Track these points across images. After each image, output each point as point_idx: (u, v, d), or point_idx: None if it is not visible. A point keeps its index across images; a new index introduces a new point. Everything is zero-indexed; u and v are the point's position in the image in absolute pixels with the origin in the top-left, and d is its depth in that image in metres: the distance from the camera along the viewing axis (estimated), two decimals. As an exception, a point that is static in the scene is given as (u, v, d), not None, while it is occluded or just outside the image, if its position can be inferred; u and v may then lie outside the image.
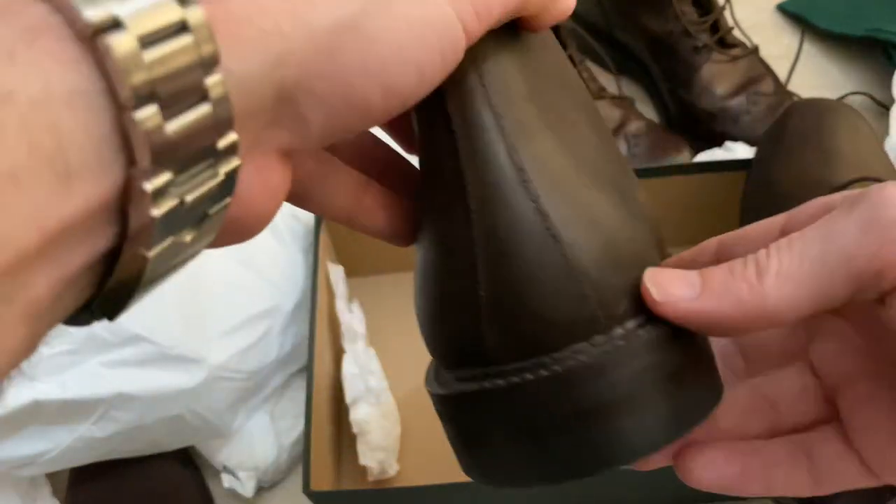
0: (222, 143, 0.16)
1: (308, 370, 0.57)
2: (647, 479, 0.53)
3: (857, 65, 0.84)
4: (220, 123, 0.16)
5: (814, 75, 0.83)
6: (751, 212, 0.59)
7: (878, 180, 0.52)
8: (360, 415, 0.58)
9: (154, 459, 0.59)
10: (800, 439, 0.25)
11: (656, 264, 0.23)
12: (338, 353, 0.64)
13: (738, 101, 0.75)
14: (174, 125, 0.15)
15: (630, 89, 0.84)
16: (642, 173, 0.63)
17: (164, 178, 0.15)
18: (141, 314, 0.54)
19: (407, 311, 0.67)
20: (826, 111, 0.59)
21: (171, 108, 0.15)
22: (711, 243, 0.25)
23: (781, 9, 0.90)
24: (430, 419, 0.64)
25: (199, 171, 0.16)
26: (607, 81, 0.80)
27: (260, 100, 0.17)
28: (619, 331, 0.21)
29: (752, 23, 0.83)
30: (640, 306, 0.22)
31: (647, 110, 0.82)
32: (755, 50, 0.78)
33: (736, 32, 0.80)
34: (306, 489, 0.51)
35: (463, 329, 0.22)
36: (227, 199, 0.17)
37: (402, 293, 0.69)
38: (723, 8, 0.78)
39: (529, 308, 0.21)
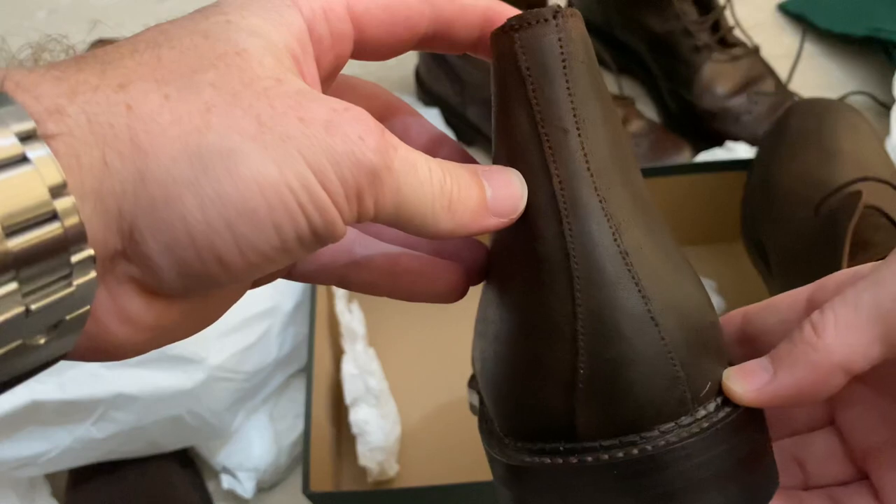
0: (76, 257, 0.17)
1: (307, 371, 0.57)
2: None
3: (858, 64, 0.84)
4: (71, 238, 0.17)
5: (815, 75, 0.83)
6: (751, 212, 0.59)
7: (879, 180, 0.52)
8: (360, 415, 0.58)
9: (153, 460, 0.59)
10: (833, 493, 0.25)
11: (721, 337, 0.24)
12: (337, 354, 0.64)
13: (738, 101, 0.75)
14: (16, 242, 0.16)
15: (630, 89, 0.84)
16: (643, 173, 0.63)
17: (7, 288, 0.16)
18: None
19: (407, 312, 0.67)
20: (827, 111, 0.59)
21: (13, 227, 0.16)
22: (736, 315, 0.26)
23: (782, 8, 0.90)
24: (430, 420, 0.65)
25: (50, 283, 0.17)
26: (608, 81, 0.80)
27: (101, 228, 0.18)
28: (702, 412, 0.22)
29: (752, 22, 0.83)
30: (719, 387, 0.23)
31: (648, 110, 0.82)
32: (756, 49, 0.78)
33: (737, 32, 0.80)
34: (306, 490, 0.51)
35: (553, 402, 0.23)
36: (85, 309, 0.18)
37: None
38: (723, 7, 0.78)
39: (626, 388, 0.22)
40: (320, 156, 0.19)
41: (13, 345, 0.17)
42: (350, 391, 0.59)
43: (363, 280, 0.26)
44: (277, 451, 0.61)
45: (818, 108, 0.60)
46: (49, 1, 0.96)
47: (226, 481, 0.60)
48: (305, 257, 0.20)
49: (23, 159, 0.16)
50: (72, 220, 0.17)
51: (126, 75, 0.18)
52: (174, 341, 0.22)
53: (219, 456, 0.60)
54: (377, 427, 0.58)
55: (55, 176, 0.16)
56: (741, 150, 0.70)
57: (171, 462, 0.60)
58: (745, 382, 0.22)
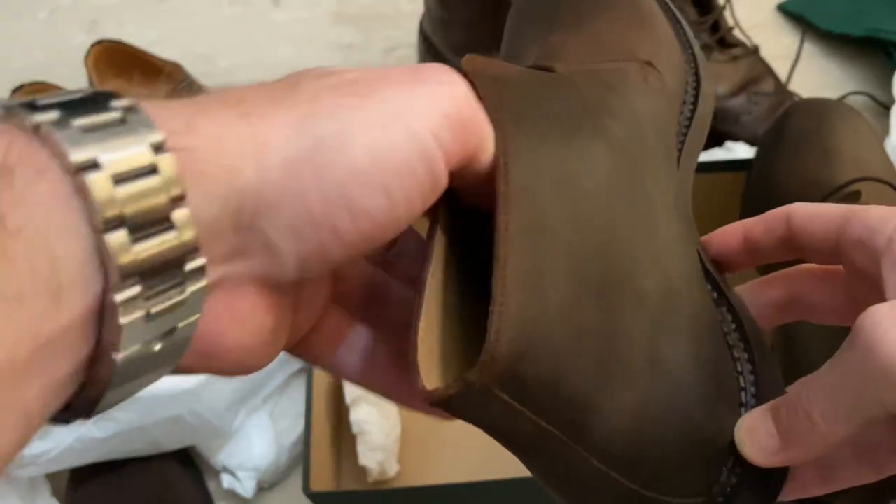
0: (189, 266, 0.18)
1: (308, 370, 0.57)
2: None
3: (858, 64, 0.84)
4: (186, 249, 0.18)
5: (814, 75, 0.83)
6: (751, 212, 0.59)
7: (879, 180, 0.52)
8: (360, 415, 0.58)
9: (154, 460, 0.59)
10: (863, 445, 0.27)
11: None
12: (338, 354, 0.64)
13: (738, 101, 0.75)
14: (141, 248, 0.17)
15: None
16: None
17: (133, 291, 0.17)
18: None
19: (407, 312, 0.67)
20: (826, 111, 0.59)
21: (139, 234, 0.17)
22: (779, 215, 0.28)
23: (782, 9, 0.90)
24: (430, 420, 0.64)
25: (166, 289, 0.18)
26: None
27: (219, 230, 0.19)
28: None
29: (752, 22, 0.83)
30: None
31: (648, 110, 0.82)
32: (756, 50, 0.78)
33: (736, 32, 0.80)
34: (306, 489, 0.51)
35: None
36: (195, 317, 0.19)
37: (402, 293, 0.69)
38: (723, 7, 0.78)
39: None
40: (421, 111, 0.21)
41: (133, 349, 0.18)
42: (350, 390, 0.59)
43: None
44: (278, 451, 0.61)
45: (818, 109, 0.60)
46: (49, 1, 0.96)
47: (226, 481, 0.60)
48: (410, 222, 0.22)
49: (152, 170, 0.17)
50: (188, 233, 0.18)
51: (241, 94, 0.20)
52: (275, 353, 0.24)
53: (219, 455, 0.60)
54: (377, 426, 0.58)
55: (177, 188, 0.18)
56: (741, 151, 0.70)
57: (171, 462, 0.60)
58: (753, 445, 0.25)
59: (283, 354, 0.65)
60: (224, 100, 0.20)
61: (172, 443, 0.59)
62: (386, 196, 0.20)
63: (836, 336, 0.37)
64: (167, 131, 0.18)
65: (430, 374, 0.23)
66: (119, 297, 0.17)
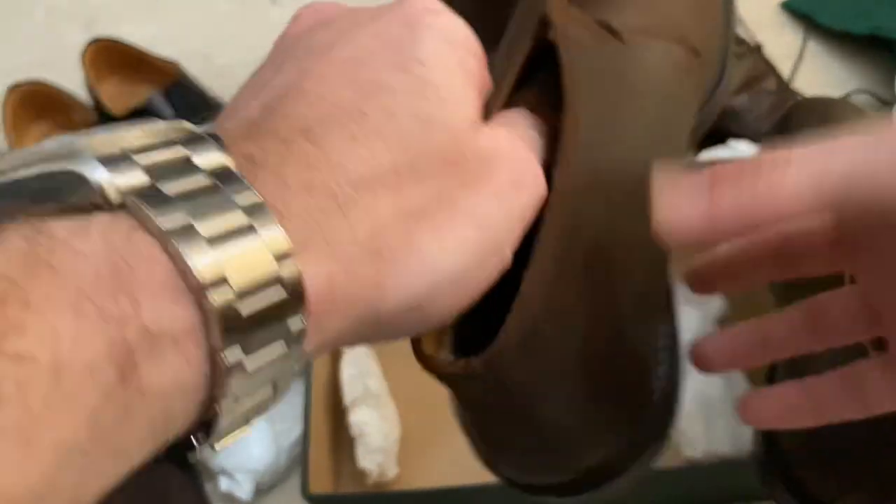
0: (294, 325, 0.18)
1: (306, 372, 0.57)
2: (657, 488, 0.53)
3: (861, 63, 0.84)
4: (293, 355, 0.18)
5: (817, 73, 0.82)
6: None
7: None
8: (359, 417, 0.58)
9: (150, 462, 0.58)
10: (846, 373, 0.26)
11: None
12: (336, 355, 0.64)
13: (741, 100, 0.74)
14: (251, 365, 0.17)
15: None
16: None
17: (230, 401, 0.17)
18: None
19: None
20: (830, 110, 0.59)
21: (253, 350, 0.17)
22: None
23: (785, 6, 0.90)
24: (430, 422, 0.64)
25: (266, 345, 0.18)
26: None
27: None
28: None
29: (755, 20, 0.82)
30: None
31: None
32: (758, 48, 0.78)
33: (739, 30, 0.80)
34: (305, 492, 0.51)
35: None
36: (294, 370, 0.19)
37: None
38: (725, 5, 0.78)
39: None
40: (510, 230, 0.22)
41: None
42: (349, 392, 0.59)
43: None
44: (276, 453, 0.60)
45: (821, 107, 0.59)
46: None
47: (224, 483, 0.60)
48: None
49: (250, 228, 0.17)
50: (294, 285, 0.18)
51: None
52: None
53: (217, 458, 0.60)
54: (377, 429, 0.58)
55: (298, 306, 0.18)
56: (744, 149, 0.70)
57: (168, 464, 0.59)
58: (669, 209, 0.21)
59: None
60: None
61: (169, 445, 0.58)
62: (469, 299, 0.22)
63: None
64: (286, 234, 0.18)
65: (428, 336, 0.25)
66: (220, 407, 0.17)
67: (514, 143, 0.23)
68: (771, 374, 0.45)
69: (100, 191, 0.16)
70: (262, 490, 0.61)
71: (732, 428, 0.56)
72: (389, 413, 0.60)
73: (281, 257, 0.17)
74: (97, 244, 0.15)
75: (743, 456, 0.55)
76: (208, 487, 0.61)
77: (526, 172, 0.23)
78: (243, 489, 0.59)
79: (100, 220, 0.16)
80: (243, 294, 0.17)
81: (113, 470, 0.15)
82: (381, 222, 0.20)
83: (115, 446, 0.15)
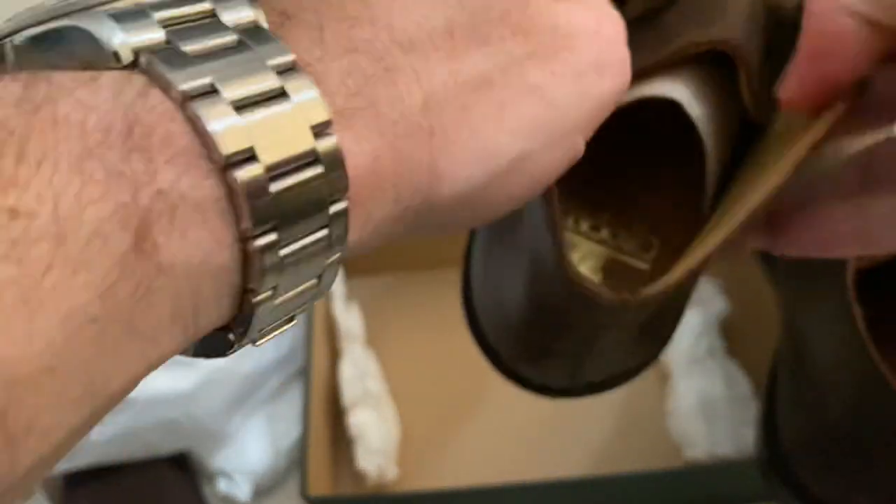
0: (330, 259, 0.17)
1: (305, 373, 0.57)
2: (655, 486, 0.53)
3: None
4: (335, 243, 0.16)
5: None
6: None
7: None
8: (359, 418, 0.58)
9: (148, 464, 0.58)
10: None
11: None
12: (335, 356, 0.64)
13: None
14: (277, 187, 0.15)
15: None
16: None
17: (269, 238, 0.15)
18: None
19: (407, 312, 0.67)
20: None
21: (287, 235, 0.15)
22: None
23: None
24: (430, 423, 0.64)
25: (307, 233, 0.16)
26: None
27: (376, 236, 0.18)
28: None
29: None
30: None
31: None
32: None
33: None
34: (304, 494, 0.51)
35: None
36: (337, 256, 0.17)
37: (401, 293, 0.68)
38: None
39: None
40: (590, 119, 0.20)
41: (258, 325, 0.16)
42: (348, 393, 0.59)
43: None
44: (275, 455, 0.60)
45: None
46: (46, -1, 0.96)
47: (222, 485, 0.59)
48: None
49: (282, 93, 0.15)
50: (333, 161, 0.16)
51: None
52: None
53: (215, 459, 0.60)
54: (376, 430, 0.58)
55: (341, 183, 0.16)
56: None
57: (166, 465, 0.59)
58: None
59: (280, 356, 0.65)
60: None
61: (167, 446, 0.58)
62: (531, 191, 0.20)
63: (842, 336, 0.36)
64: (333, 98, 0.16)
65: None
66: (256, 298, 0.15)
67: (601, 21, 0.20)
68: (772, 374, 0.45)
69: (111, 50, 0.14)
70: (260, 491, 0.61)
71: (734, 429, 0.56)
72: (389, 414, 0.60)
73: (318, 128, 0.15)
74: (107, 98, 0.13)
75: (744, 457, 0.54)
76: (207, 489, 0.61)
77: (612, 55, 0.20)
78: (242, 490, 0.59)
79: (111, 76, 0.14)
80: (274, 169, 0.15)
81: (136, 354, 0.14)
82: (435, 93, 0.17)
83: (136, 326, 0.14)
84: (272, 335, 0.18)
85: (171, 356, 0.15)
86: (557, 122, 0.19)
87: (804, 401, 0.40)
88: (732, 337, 0.62)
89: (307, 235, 0.16)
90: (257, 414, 0.61)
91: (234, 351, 0.17)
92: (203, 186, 0.14)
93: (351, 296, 0.66)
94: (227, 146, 0.14)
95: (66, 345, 0.12)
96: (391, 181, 0.17)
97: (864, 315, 0.35)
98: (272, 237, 0.15)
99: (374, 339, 0.65)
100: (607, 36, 0.20)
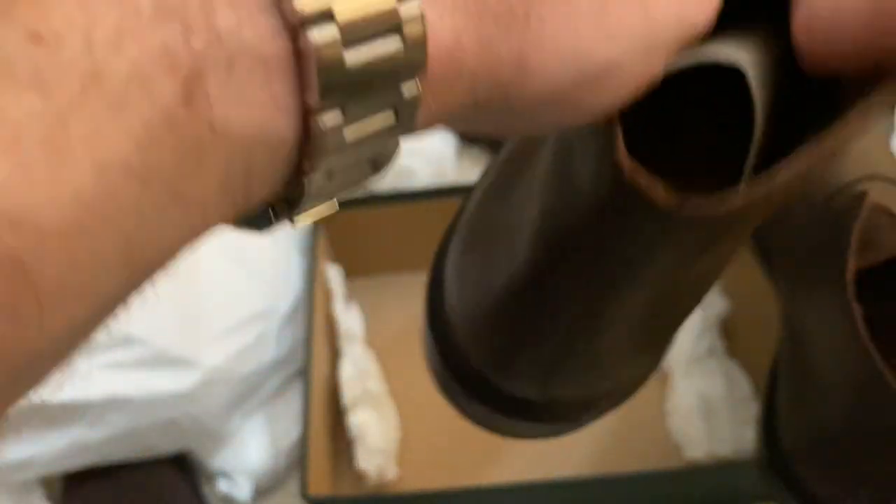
0: (390, 143, 0.15)
1: (305, 373, 0.57)
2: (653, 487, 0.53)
3: (862, 63, 0.83)
4: (400, 128, 0.15)
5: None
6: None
7: (886, 179, 0.51)
8: (359, 418, 0.58)
9: (148, 464, 0.58)
10: None
11: None
12: (335, 356, 0.64)
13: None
14: (351, 130, 0.14)
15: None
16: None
17: (323, 172, 0.14)
18: (135, 316, 0.54)
19: (406, 313, 0.67)
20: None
21: (355, 115, 0.14)
22: None
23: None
24: (430, 423, 0.64)
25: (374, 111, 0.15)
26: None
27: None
28: None
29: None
30: None
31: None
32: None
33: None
34: (304, 494, 0.51)
35: None
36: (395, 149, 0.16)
37: (401, 294, 0.68)
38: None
39: None
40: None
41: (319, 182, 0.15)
42: (348, 393, 0.59)
43: None
44: (275, 455, 0.60)
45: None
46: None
47: (222, 485, 0.59)
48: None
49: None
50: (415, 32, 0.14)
51: None
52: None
53: (215, 459, 0.60)
54: (376, 430, 0.58)
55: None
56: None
57: (166, 466, 0.59)
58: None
59: (280, 356, 0.64)
60: None
61: (167, 446, 0.58)
62: (613, 100, 0.18)
63: (842, 336, 0.36)
64: None
65: None
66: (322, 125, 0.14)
67: None
68: (772, 374, 0.45)
69: None
70: (260, 491, 0.61)
71: (734, 429, 0.56)
72: (389, 414, 0.60)
73: None
74: None
75: (745, 457, 0.54)
76: (207, 489, 0.61)
77: None
78: (242, 491, 0.59)
79: None
80: (351, 36, 0.13)
81: (178, 221, 0.12)
82: None
83: (182, 190, 0.12)
84: (313, 216, 0.16)
85: (216, 226, 0.14)
86: (652, 37, 0.18)
87: (804, 400, 0.40)
88: (732, 337, 0.62)
89: (373, 116, 0.14)
90: (257, 414, 0.61)
91: (274, 228, 0.16)
92: (269, 41, 0.12)
93: (351, 296, 0.66)
94: (303, 1, 0.12)
95: (98, 199, 0.11)
96: (470, 68, 0.15)
97: (864, 314, 0.35)
98: (338, 115, 0.13)
99: (374, 339, 0.65)
100: None
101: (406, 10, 0.14)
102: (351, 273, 0.68)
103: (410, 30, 0.14)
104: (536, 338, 0.24)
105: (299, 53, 0.13)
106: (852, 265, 0.42)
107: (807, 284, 0.43)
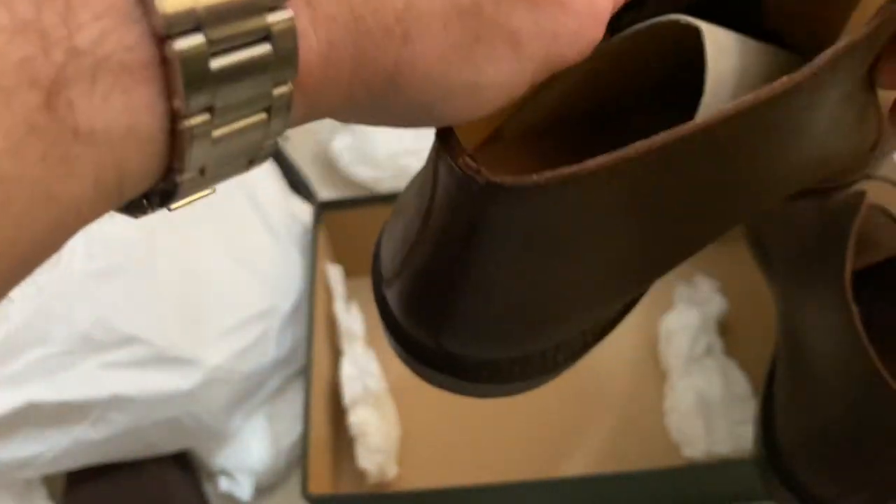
0: (265, 140, 0.16)
1: (306, 372, 0.57)
2: (650, 484, 0.53)
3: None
4: (273, 128, 0.15)
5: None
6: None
7: (886, 180, 0.51)
8: (359, 417, 0.58)
9: (150, 462, 0.59)
10: None
11: None
12: (336, 355, 0.64)
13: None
14: (220, 132, 0.14)
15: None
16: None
17: (194, 170, 0.15)
18: (136, 315, 0.54)
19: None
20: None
21: (222, 113, 0.14)
22: None
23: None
24: (430, 422, 0.64)
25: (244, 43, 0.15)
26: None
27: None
28: None
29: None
30: None
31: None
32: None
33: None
34: (304, 492, 0.51)
35: None
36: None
37: (401, 294, 0.68)
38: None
39: None
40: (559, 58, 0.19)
41: (192, 174, 0.15)
42: (349, 392, 0.59)
43: None
44: (276, 453, 0.60)
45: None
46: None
47: (223, 483, 0.59)
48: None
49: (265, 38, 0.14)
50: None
51: None
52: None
53: (216, 458, 0.60)
54: (376, 429, 0.58)
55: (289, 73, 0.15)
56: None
57: (168, 464, 0.59)
58: None
59: (281, 356, 0.64)
60: None
61: (169, 445, 0.58)
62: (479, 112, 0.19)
63: (840, 336, 0.36)
64: None
65: None
66: (181, 177, 0.14)
67: None
68: (770, 373, 0.45)
69: None
70: (261, 490, 0.61)
71: (733, 428, 0.56)
72: (389, 413, 0.60)
73: (272, 3, 0.14)
74: None
75: (743, 455, 0.55)
76: (208, 487, 0.61)
77: (591, 31, 0.20)
78: (243, 489, 0.59)
79: None
80: (218, 44, 0.13)
81: (53, 218, 0.13)
82: (422, 1, 0.16)
83: (54, 193, 0.13)
84: (189, 202, 0.16)
85: (94, 221, 0.14)
86: (518, 72, 0.19)
87: (802, 399, 0.40)
88: (730, 336, 0.62)
89: (244, 118, 0.15)
90: (258, 413, 0.61)
91: (147, 214, 0.16)
92: (134, 49, 0.13)
93: (351, 296, 0.66)
94: (166, 8, 0.13)
95: None
96: (345, 77, 0.16)
97: (861, 314, 0.35)
98: (205, 117, 0.14)
99: (374, 339, 0.65)
100: (595, 13, 0.20)
101: (276, 20, 0.14)
102: (351, 273, 0.68)
103: (280, 38, 0.14)
104: (462, 300, 0.23)
105: (164, 60, 0.13)
106: (850, 265, 0.42)
107: (804, 284, 0.43)
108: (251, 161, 0.16)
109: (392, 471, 0.59)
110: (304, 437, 0.54)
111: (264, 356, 0.59)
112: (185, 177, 0.15)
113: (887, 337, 0.41)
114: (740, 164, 0.23)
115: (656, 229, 0.23)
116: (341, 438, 0.62)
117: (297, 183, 0.70)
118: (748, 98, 0.20)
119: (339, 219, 0.65)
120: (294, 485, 0.61)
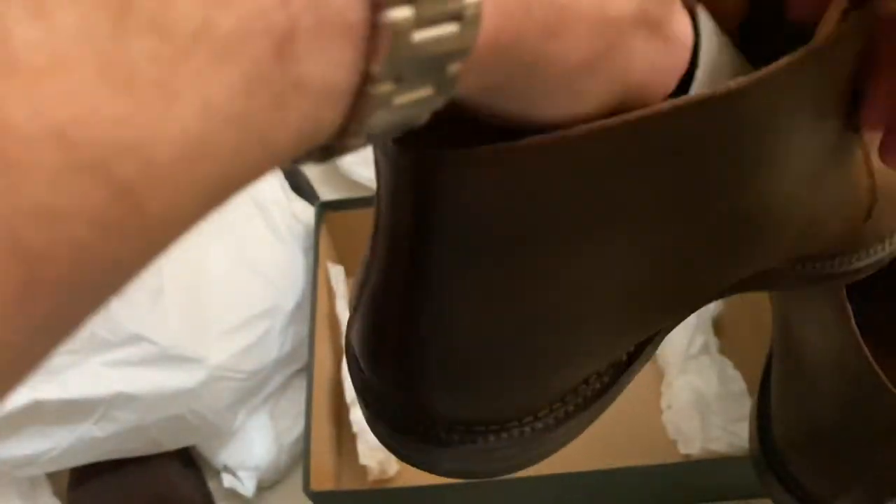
0: (423, 111, 0.16)
1: (308, 370, 0.57)
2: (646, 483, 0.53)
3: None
4: (436, 102, 0.16)
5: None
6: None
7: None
8: (360, 414, 0.58)
9: (154, 459, 0.59)
10: None
11: None
12: (338, 353, 0.64)
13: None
14: (397, 101, 0.15)
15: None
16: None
17: (364, 131, 0.15)
18: (141, 314, 0.54)
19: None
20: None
21: (404, 85, 0.15)
22: None
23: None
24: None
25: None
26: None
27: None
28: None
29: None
30: None
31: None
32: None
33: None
34: (306, 489, 0.51)
35: None
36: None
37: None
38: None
39: None
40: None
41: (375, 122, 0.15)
42: (351, 390, 0.59)
43: None
44: (278, 450, 0.61)
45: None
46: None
47: (227, 480, 0.60)
48: None
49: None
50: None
51: None
52: None
53: (220, 455, 0.60)
54: (378, 426, 0.58)
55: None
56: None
57: (172, 461, 0.59)
58: None
59: (283, 354, 0.64)
60: None
61: (173, 442, 0.59)
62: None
63: (835, 334, 0.37)
64: None
65: None
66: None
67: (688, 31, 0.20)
68: (766, 371, 0.45)
69: None
70: (264, 487, 0.61)
71: (728, 425, 0.56)
72: (390, 411, 0.60)
73: None
74: None
75: (739, 453, 0.55)
76: (211, 484, 0.62)
77: (683, 65, 0.20)
78: (246, 486, 0.59)
79: None
80: (422, 17, 0.14)
81: (260, 161, 0.14)
82: None
83: (268, 138, 0.13)
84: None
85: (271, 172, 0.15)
86: (610, 94, 0.19)
87: (796, 397, 0.41)
88: (726, 335, 0.63)
89: (417, 90, 0.15)
90: (261, 410, 0.62)
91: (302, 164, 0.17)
92: (351, 10, 0.13)
93: (352, 294, 0.67)
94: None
95: (201, 138, 0.12)
96: (493, 62, 0.16)
97: (855, 313, 0.36)
98: (392, 86, 0.15)
99: (375, 337, 0.65)
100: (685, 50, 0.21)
101: (471, 2, 0.15)
102: (353, 272, 0.68)
103: (469, 21, 0.15)
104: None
105: (376, 26, 0.14)
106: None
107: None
108: (406, 122, 0.17)
109: (393, 468, 0.59)
110: (307, 435, 0.54)
111: (267, 355, 0.60)
112: (356, 139, 0.15)
113: (881, 335, 0.41)
114: (710, 176, 0.22)
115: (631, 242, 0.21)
116: (343, 436, 0.62)
117: (298, 183, 0.70)
118: (704, 91, 0.19)
119: (340, 219, 0.65)
120: (296, 481, 0.61)
